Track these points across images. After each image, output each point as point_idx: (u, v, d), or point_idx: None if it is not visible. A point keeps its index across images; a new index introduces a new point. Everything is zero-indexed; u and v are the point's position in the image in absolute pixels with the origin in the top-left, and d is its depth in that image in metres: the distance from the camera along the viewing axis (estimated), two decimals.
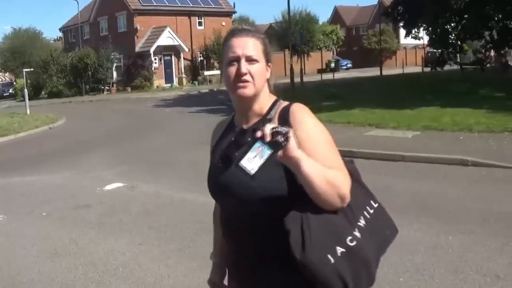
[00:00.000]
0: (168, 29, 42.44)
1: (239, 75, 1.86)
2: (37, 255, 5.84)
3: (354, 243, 1.72)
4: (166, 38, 42.56)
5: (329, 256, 1.68)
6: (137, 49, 42.78)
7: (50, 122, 22.14)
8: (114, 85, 42.95)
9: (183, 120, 19.37)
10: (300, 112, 1.87)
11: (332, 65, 54.43)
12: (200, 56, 45.94)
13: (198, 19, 46.67)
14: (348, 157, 2.04)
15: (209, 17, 47.20)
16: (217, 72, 43.88)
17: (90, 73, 41.92)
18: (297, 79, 33.16)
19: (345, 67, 58.31)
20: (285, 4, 39.61)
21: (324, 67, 53.36)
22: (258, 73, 1.88)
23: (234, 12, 50.72)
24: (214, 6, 47.84)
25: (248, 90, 1.87)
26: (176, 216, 7.00)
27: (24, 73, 30.44)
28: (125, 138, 15.90)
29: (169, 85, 42.96)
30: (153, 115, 23.11)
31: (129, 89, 41.18)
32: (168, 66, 44.33)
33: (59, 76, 43.03)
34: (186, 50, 44.14)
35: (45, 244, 6.19)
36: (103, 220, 7.08)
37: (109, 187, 9.09)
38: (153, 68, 42.29)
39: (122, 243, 6.09)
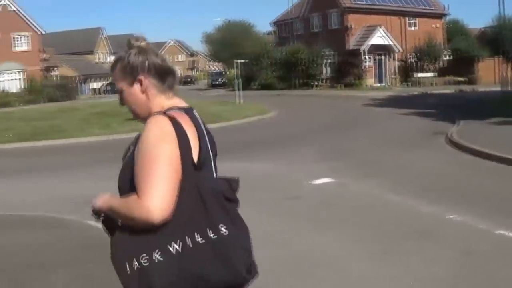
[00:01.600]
0: (380, 28, 41.84)
1: None
2: None
3: (147, 264, 1.81)
4: (378, 38, 42.00)
5: (127, 265, 1.85)
6: (348, 46, 42.82)
7: (261, 112, 23.06)
8: (325, 81, 43.54)
9: (392, 121, 18.89)
10: (146, 127, 1.91)
11: None
12: (412, 57, 44.51)
13: (410, 19, 45.27)
14: None
15: (421, 18, 45.54)
16: (430, 74, 42.33)
17: (301, 68, 43.03)
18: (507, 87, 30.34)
19: None
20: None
21: None
22: (128, 100, 2.08)
23: (446, 14, 48.22)
24: (426, 7, 46.14)
25: (138, 117, 2.10)
26: (384, 218, 6.79)
27: (237, 63, 32.03)
28: (333, 134, 15.95)
29: (380, 84, 42.33)
30: (362, 113, 22.93)
31: (339, 86, 41.39)
32: (379, 65, 43.69)
33: (271, 69, 44.82)
34: (398, 50, 43.13)
35: (252, 232, 6.28)
36: (311, 214, 7.09)
37: (318, 181, 9.13)
38: (364, 67, 42.01)
39: (328, 238, 6.06)
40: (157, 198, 1.79)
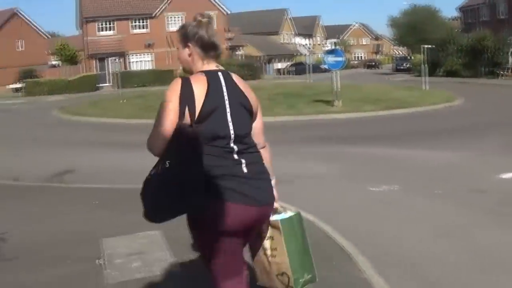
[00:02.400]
0: None
1: None
2: (426, 231, 5.94)
3: (149, 177, 2.53)
4: None
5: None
6: None
7: (447, 100, 22.23)
8: (510, 70, 40.35)
9: None
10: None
11: None
12: None
13: None
14: None
15: None
16: None
17: (487, 56, 40.30)
18: None
19: None
20: None
21: None
22: (179, 57, 2.85)
23: None
24: None
25: (185, 71, 2.86)
26: None
27: (423, 49, 31.00)
28: None
29: None
30: None
31: None
32: None
33: (456, 55, 42.64)
34: None
35: (435, 222, 6.26)
36: (496, 209, 6.78)
37: (505, 175, 8.62)
38: None
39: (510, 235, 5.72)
40: (149, 136, 2.65)
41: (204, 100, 2.58)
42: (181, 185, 2.43)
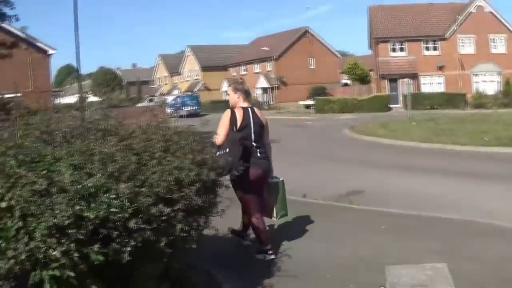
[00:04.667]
0: None
1: None
2: None
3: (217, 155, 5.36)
4: None
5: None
6: None
7: None
8: None
9: None
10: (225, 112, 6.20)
11: None
12: None
13: None
14: None
15: None
16: None
17: None
18: None
19: None
20: None
21: None
22: (230, 99, 6.45)
23: None
24: None
25: (232, 107, 6.34)
26: None
27: None
28: None
29: None
30: None
31: None
32: None
33: None
34: None
35: None
36: None
37: None
38: None
39: None
40: (218, 135, 5.81)
41: (241, 121, 6.02)
42: (233, 159, 5.52)
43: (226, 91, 67.23)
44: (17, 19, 20.82)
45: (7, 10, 20.01)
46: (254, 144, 6.05)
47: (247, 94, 6.31)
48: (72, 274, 3.10)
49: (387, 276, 5.26)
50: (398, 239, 6.73)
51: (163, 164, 3.97)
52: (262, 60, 64.21)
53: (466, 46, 47.51)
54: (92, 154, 3.67)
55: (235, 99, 6.25)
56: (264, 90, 63.67)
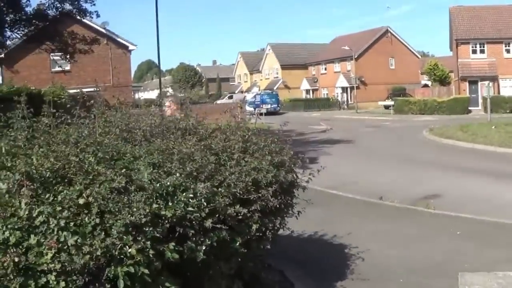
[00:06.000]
0: None
1: None
2: None
3: None
4: None
5: None
6: None
7: None
8: None
9: None
10: None
11: None
12: None
13: None
14: None
15: None
16: None
17: None
18: None
19: None
20: None
21: None
22: None
23: None
24: None
25: None
26: None
27: None
28: None
29: None
30: None
31: None
32: None
33: None
34: None
35: None
36: None
37: None
38: None
39: None
40: None
41: None
42: None
43: (305, 90, 67.82)
44: (98, 15, 21.35)
45: (88, 6, 20.61)
46: None
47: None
48: (146, 271, 3.11)
49: (460, 283, 5.13)
50: (472, 246, 6.55)
51: (242, 165, 3.94)
52: (342, 59, 63.52)
53: None
54: (171, 153, 3.68)
55: None
56: (344, 89, 63.07)
